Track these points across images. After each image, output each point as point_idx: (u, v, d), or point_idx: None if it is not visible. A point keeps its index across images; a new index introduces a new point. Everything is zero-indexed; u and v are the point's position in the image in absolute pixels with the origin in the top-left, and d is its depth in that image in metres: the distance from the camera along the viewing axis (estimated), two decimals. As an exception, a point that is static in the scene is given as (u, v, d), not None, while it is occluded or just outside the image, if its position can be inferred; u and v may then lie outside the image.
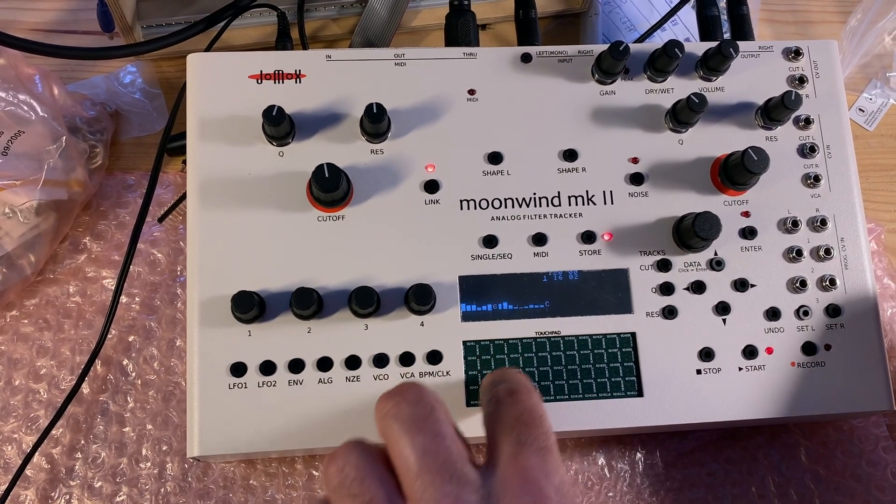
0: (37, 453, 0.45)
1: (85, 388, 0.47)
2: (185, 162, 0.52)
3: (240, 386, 0.42)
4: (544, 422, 0.34)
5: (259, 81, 0.45)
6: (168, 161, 0.52)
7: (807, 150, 0.47)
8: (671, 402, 0.43)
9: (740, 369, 0.44)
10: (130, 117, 0.53)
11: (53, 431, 0.45)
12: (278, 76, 0.46)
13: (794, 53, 0.48)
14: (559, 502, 0.30)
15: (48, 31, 0.56)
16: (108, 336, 0.47)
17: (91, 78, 0.54)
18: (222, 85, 0.45)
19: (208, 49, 0.51)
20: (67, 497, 0.45)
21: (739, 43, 0.47)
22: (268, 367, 0.42)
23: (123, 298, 0.48)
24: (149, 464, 0.46)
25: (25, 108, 0.44)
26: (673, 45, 0.45)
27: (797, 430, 0.49)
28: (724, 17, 0.53)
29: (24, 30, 0.55)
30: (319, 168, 0.42)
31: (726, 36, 0.53)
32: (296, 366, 0.42)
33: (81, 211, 0.50)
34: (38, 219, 0.47)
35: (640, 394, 0.43)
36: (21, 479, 0.44)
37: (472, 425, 0.42)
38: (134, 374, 0.47)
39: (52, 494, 0.45)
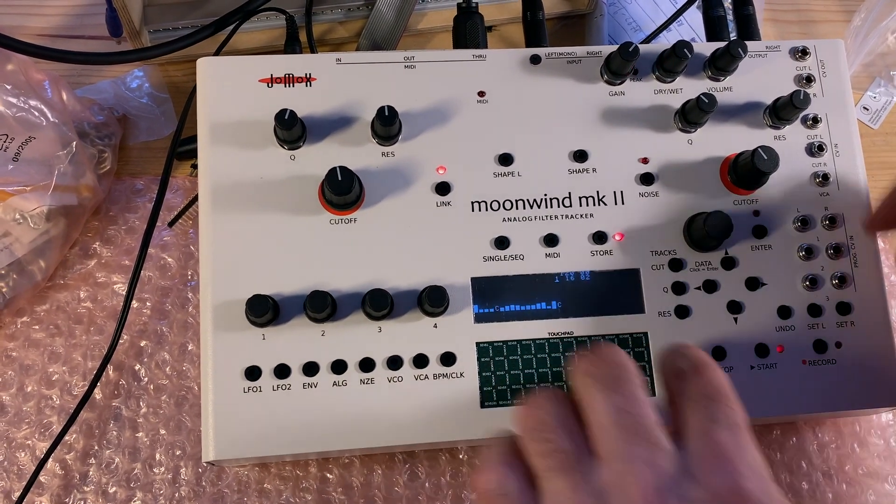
0: (50, 459, 0.45)
1: (97, 394, 0.47)
2: (193, 166, 0.52)
3: (254, 390, 0.42)
4: (733, 398, 0.33)
5: (269, 85, 0.45)
6: (177, 165, 0.52)
7: (815, 149, 0.47)
8: (684, 401, 0.43)
9: (752, 368, 0.44)
10: (138, 122, 0.53)
11: (66, 437, 0.45)
12: (289, 80, 0.46)
13: (801, 53, 0.48)
14: (752, 479, 0.29)
15: (54, 36, 0.56)
16: (120, 341, 0.47)
17: (98, 83, 0.54)
18: (233, 89, 0.45)
19: (217, 53, 0.51)
20: (82, 503, 0.45)
21: (747, 43, 0.47)
22: (282, 371, 0.42)
23: (135, 303, 0.48)
24: (163, 468, 0.46)
25: (36, 113, 0.44)
26: (682, 46, 0.45)
27: (808, 426, 0.49)
28: (729, 17, 0.53)
29: (30, 35, 0.54)
30: (332, 171, 0.42)
31: (732, 36, 0.53)
32: (310, 369, 0.42)
33: (91, 216, 0.50)
34: (49, 224, 0.47)
35: (653, 394, 0.43)
36: (35, 486, 0.44)
37: (488, 427, 0.42)
38: (146, 378, 0.47)
39: (66, 500, 0.45)
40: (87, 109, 0.50)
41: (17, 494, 0.44)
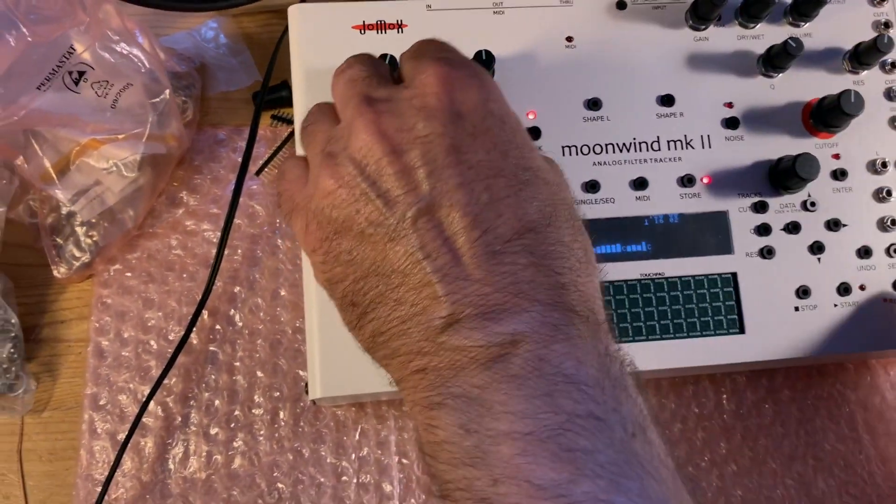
0: (151, 402, 0.46)
1: (194, 339, 0.48)
2: (273, 116, 0.53)
3: (359, 330, 0.43)
4: (438, 41, 0.35)
5: (362, 32, 0.46)
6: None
7: (893, 94, 0.48)
8: (772, 338, 0.45)
9: (835, 306, 0.46)
10: (216, 72, 0.53)
11: (166, 381, 0.46)
12: (381, 26, 0.46)
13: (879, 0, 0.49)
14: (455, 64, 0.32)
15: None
16: (213, 287, 0.47)
17: (174, 34, 0.54)
18: (326, 36, 0.46)
19: (305, 0, 0.51)
20: (185, 444, 0.46)
21: (828, -11, 0.47)
22: (385, 312, 0.43)
23: (226, 250, 0.48)
24: (261, 410, 0.47)
25: (136, 60, 0.44)
26: (769, -9, 0.46)
27: (879, 365, 0.51)
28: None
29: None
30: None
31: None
32: (412, 310, 0.43)
33: (176, 166, 0.51)
34: (139, 173, 0.48)
35: (742, 331, 0.45)
36: (139, 428, 0.45)
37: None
38: (241, 323, 0.48)
39: (170, 441, 0.46)
40: (171, 59, 0.50)
41: (122, 436, 0.45)
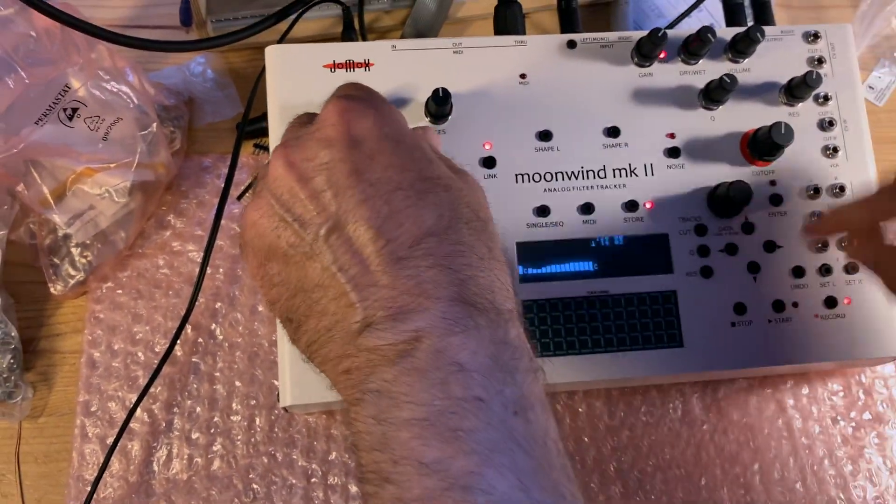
0: (138, 409, 0.50)
1: (178, 351, 0.52)
2: (255, 145, 0.57)
3: (326, 343, 0.47)
4: (352, 83, 0.38)
5: (333, 70, 0.50)
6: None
7: (826, 125, 0.52)
8: (709, 352, 0.48)
9: (770, 321, 0.49)
10: (203, 105, 0.58)
11: (152, 389, 0.50)
12: (350, 65, 0.50)
13: (813, 37, 0.53)
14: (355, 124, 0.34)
15: (123, 27, 0.60)
16: (197, 303, 0.51)
17: (164, 69, 0.59)
18: (299, 74, 0.50)
19: (281, 42, 0.55)
20: (169, 447, 0.50)
21: (764, 28, 0.51)
22: (350, 326, 0.47)
23: (208, 269, 0.52)
24: (239, 417, 0.51)
25: (124, 97, 0.49)
26: (706, 31, 0.50)
27: (818, 377, 0.54)
28: (746, 1, 0.58)
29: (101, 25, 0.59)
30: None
31: (749, 21, 0.57)
32: (375, 324, 0.47)
33: (164, 191, 0.55)
34: (129, 198, 0.52)
35: (681, 345, 0.48)
36: (126, 432, 0.49)
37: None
38: (221, 337, 0.52)
39: (155, 445, 0.50)
40: (160, 94, 0.55)
41: (111, 440, 0.49)
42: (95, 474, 0.48)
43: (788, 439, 0.52)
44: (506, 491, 0.28)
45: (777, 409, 0.53)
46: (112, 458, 0.49)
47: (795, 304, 0.50)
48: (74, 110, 0.48)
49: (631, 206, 0.50)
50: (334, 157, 0.33)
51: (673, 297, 0.49)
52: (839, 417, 0.53)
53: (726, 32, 0.52)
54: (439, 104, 0.48)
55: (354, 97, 0.36)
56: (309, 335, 0.33)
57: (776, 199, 0.51)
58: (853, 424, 0.53)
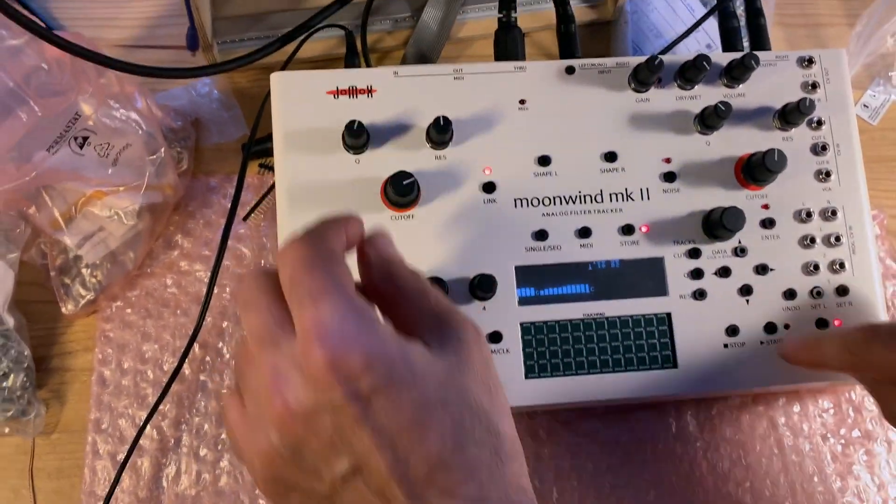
0: (148, 426, 0.51)
1: (186, 369, 0.53)
2: (261, 165, 0.58)
3: (330, 365, 0.48)
4: (314, 270, 0.31)
5: (336, 97, 0.51)
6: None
7: (819, 149, 0.53)
8: (703, 372, 0.50)
9: (762, 343, 0.51)
10: (209, 125, 0.59)
11: (161, 407, 0.52)
12: (353, 91, 0.51)
13: (808, 62, 0.54)
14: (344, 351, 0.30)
15: (129, 47, 0.61)
16: (204, 323, 0.53)
17: (171, 90, 0.60)
18: (303, 100, 0.51)
19: (285, 66, 0.56)
20: (177, 464, 0.52)
21: (759, 53, 0.52)
22: (353, 348, 0.48)
23: (216, 289, 0.54)
24: (245, 433, 0.52)
25: (133, 124, 0.50)
26: (702, 59, 0.51)
27: (810, 395, 0.55)
28: (741, 22, 0.59)
29: (107, 45, 0.60)
30: (397, 175, 0.48)
31: (745, 43, 0.58)
32: (377, 347, 0.48)
33: (172, 211, 0.56)
34: (138, 220, 0.54)
35: (675, 366, 0.50)
36: (136, 449, 0.51)
37: (531, 395, 0.48)
38: (229, 355, 0.54)
39: (164, 461, 0.52)
40: (167, 116, 0.56)
41: (121, 456, 0.51)
42: (107, 490, 0.50)
43: (779, 456, 0.54)
44: None
45: (769, 426, 0.54)
46: (123, 474, 0.50)
47: (787, 326, 0.51)
48: (85, 139, 0.49)
49: (627, 230, 0.51)
50: (335, 405, 0.30)
51: (667, 319, 0.50)
52: (829, 435, 0.54)
53: (722, 58, 0.53)
54: (440, 132, 0.49)
55: (333, 331, 0.30)
56: None
57: (769, 223, 0.52)
58: (842, 442, 0.54)
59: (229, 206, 0.55)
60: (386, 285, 0.36)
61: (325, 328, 0.30)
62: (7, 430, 0.51)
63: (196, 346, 0.54)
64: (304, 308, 0.31)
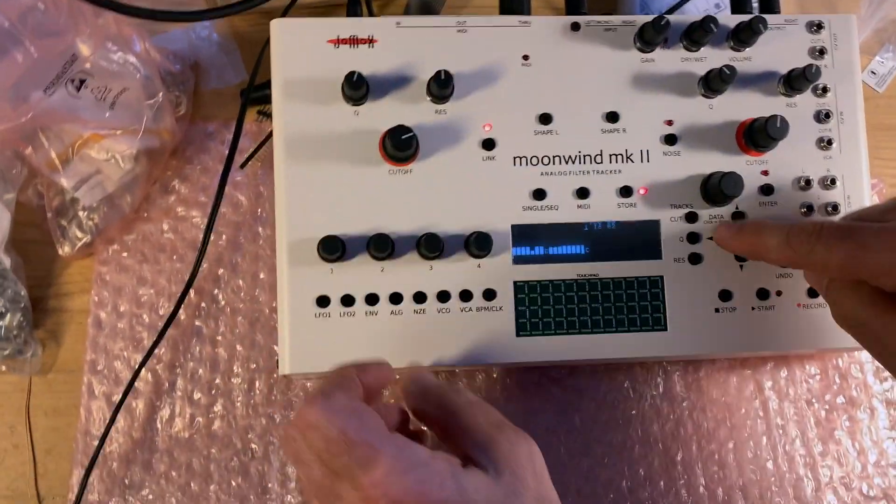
0: (143, 369, 0.52)
1: (181, 314, 0.54)
2: (259, 112, 0.58)
3: (324, 315, 0.48)
4: (349, 438, 0.34)
5: (336, 46, 0.51)
6: (243, 110, 0.57)
7: (822, 116, 0.52)
8: (692, 336, 0.50)
9: (753, 309, 0.51)
10: (209, 70, 0.58)
11: (156, 351, 0.52)
12: (353, 41, 0.51)
13: (817, 27, 0.53)
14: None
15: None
16: (200, 269, 0.53)
17: (171, 32, 0.59)
18: (303, 49, 0.50)
19: (286, 13, 0.55)
20: (171, 407, 0.53)
21: (767, 17, 0.51)
22: (348, 300, 0.49)
23: (212, 236, 0.54)
24: (239, 379, 0.53)
25: (131, 67, 0.50)
26: (709, 21, 0.50)
27: (797, 360, 0.56)
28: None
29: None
30: (396, 129, 0.47)
31: (754, 5, 0.57)
32: (371, 299, 0.49)
33: (170, 156, 0.56)
34: (135, 164, 0.53)
35: (664, 328, 0.50)
36: (131, 391, 0.52)
37: (522, 353, 0.49)
38: (223, 302, 0.54)
39: (158, 404, 0.53)
40: (165, 59, 0.55)
41: (117, 397, 0.52)
42: (101, 429, 0.51)
43: (764, 419, 0.55)
44: None
45: (755, 389, 0.55)
46: (118, 415, 0.51)
47: (779, 293, 0.51)
48: (82, 81, 0.49)
49: (625, 191, 0.51)
50: None
51: (660, 282, 0.51)
52: (814, 400, 0.55)
53: (730, 20, 0.52)
54: (441, 86, 0.49)
55: (398, 488, 0.33)
56: None
57: (767, 189, 0.52)
58: (826, 407, 0.55)
59: (227, 152, 0.55)
60: (437, 412, 0.37)
61: (383, 486, 0.32)
62: (3, 368, 0.52)
63: (192, 292, 0.54)
64: (354, 474, 0.33)
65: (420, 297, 0.49)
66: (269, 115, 0.58)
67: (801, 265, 0.46)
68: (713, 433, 0.54)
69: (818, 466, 0.54)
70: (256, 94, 0.56)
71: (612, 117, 0.51)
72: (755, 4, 0.57)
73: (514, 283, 0.50)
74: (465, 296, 0.49)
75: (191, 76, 0.57)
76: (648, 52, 0.52)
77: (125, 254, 0.55)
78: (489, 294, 0.49)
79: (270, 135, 0.56)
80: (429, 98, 0.50)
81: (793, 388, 0.55)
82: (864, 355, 0.56)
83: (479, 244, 0.48)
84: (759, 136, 0.50)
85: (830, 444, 0.54)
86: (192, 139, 0.57)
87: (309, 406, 0.35)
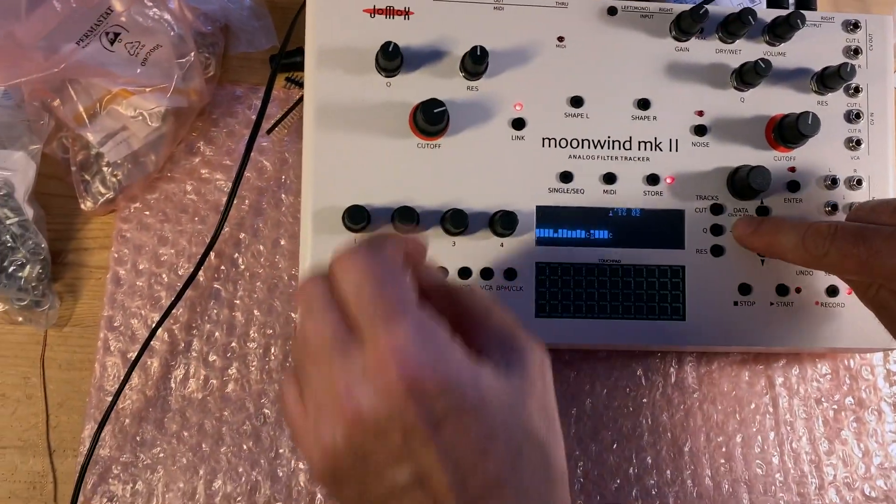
0: (160, 328, 0.52)
1: (200, 276, 0.54)
2: (287, 79, 0.58)
3: (345, 285, 0.48)
4: (384, 288, 0.32)
5: (372, 16, 0.50)
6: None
7: (853, 116, 0.52)
8: (709, 328, 0.50)
9: (772, 304, 0.51)
10: (239, 34, 0.58)
11: (173, 311, 0.52)
12: (390, 12, 0.50)
13: (853, 26, 0.53)
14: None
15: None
16: (221, 232, 0.53)
17: (203, -8, 0.58)
18: (339, 17, 0.50)
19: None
20: (186, 367, 0.53)
21: (805, 13, 0.51)
22: (369, 272, 0.49)
23: (234, 200, 0.54)
24: (255, 344, 0.53)
25: (165, 24, 0.49)
26: (748, 13, 0.50)
27: (810, 358, 0.56)
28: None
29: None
30: (430, 102, 0.47)
31: (790, 1, 0.57)
32: (393, 272, 0.49)
33: (196, 117, 0.56)
34: (162, 123, 0.53)
35: (683, 318, 0.50)
36: (147, 350, 0.52)
37: (539, 334, 0.49)
38: (243, 266, 0.54)
39: (173, 363, 0.53)
40: (196, 20, 0.55)
41: (132, 354, 0.52)
42: (115, 386, 0.51)
43: (773, 415, 0.55)
44: None
45: (766, 384, 0.55)
46: (132, 372, 0.51)
47: (798, 290, 0.51)
48: (116, 34, 0.48)
49: (652, 179, 0.51)
50: (406, 415, 0.31)
51: (681, 272, 0.51)
52: (823, 399, 0.56)
53: (767, 14, 0.52)
54: (476, 62, 0.48)
55: (409, 344, 0.31)
56: None
57: (794, 186, 0.52)
58: (835, 407, 0.55)
59: (253, 117, 0.55)
60: (452, 307, 0.36)
61: (401, 352, 0.30)
62: (20, 318, 0.52)
63: (212, 255, 0.54)
64: (376, 328, 0.31)
65: (442, 272, 0.49)
66: (296, 83, 0.58)
67: (816, 266, 0.47)
68: (722, 426, 0.54)
69: (823, 465, 0.54)
70: (286, 60, 0.56)
71: (644, 104, 0.51)
72: (791, 1, 0.57)
73: (537, 263, 0.50)
74: (486, 273, 0.49)
75: (221, 38, 0.57)
76: (684, 41, 0.52)
77: (147, 212, 0.55)
78: (510, 273, 0.50)
79: (298, 102, 0.56)
80: (461, 74, 0.50)
81: (803, 386, 0.56)
82: (876, 358, 0.57)
83: (504, 223, 0.48)
84: (789, 131, 0.50)
85: (836, 443, 0.55)
86: (219, 102, 0.57)
87: (353, 251, 0.33)
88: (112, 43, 0.48)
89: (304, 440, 0.34)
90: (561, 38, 0.51)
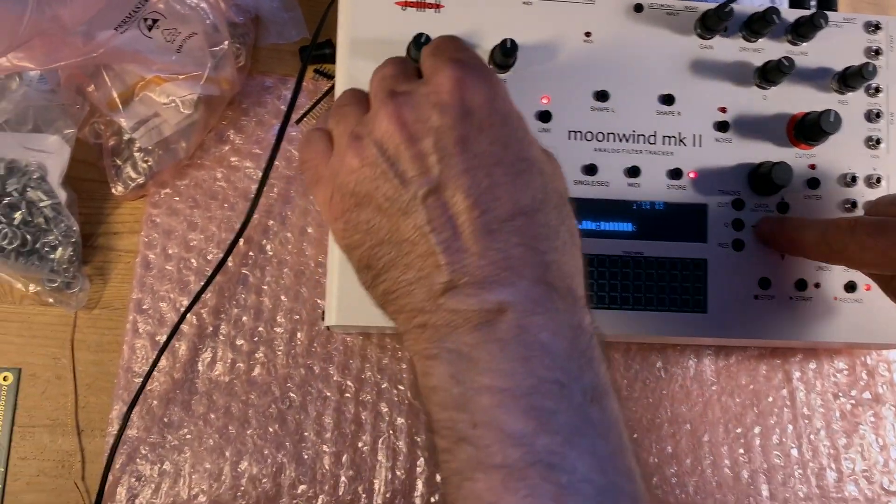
0: (189, 312, 0.53)
1: (229, 262, 0.54)
2: (316, 71, 0.59)
3: (373, 272, 0.49)
4: (456, 40, 0.38)
5: (404, 9, 0.51)
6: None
7: (873, 116, 0.53)
8: (730, 320, 0.51)
9: (791, 298, 0.52)
10: (269, 25, 0.59)
11: (202, 295, 0.53)
12: (420, 5, 0.51)
13: (874, 27, 0.54)
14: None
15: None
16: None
17: (235, -16, 0.59)
18: (371, 9, 0.51)
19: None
20: (213, 351, 0.53)
21: (827, 13, 0.52)
22: (397, 258, 0.49)
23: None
24: (282, 329, 0.54)
25: (201, 13, 0.50)
26: (772, 12, 0.51)
27: (827, 354, 0.57)
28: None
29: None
30: None
31: (812, 2, 0.58)
32: (421, 259, 0.50)
33: (227, 106, 0.57)
34: (193, 110, 0.54)
35: (704, 311, 0.51)
36: (176, 334, 0.52)
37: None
38: (271, 253, 0.55)
39: (201, 347, 0.54)
40: (229, 10, 0.56)
41: (160, 337, 0.53)
42: (143, 367, 0.52)
43: (791, 408, 0.56)
44: (585, 472, 0.30)
45: (784, 378, 0.56)
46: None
47: (818, 285, 0.52)
48: (155, 21, 0.49)
49: (675, 174, 0.52)
50: (445, 123, 0.34)
51: (703, 265, 0.51)
52: (840, 394, 0.56)
53: (790, 14, 0.53)
54: (506, 55, 0.49)
55: (469, 65, 0.36)
56: (387, 284, 0.35)
57: (813, 183, 0.53)
58: (853, 402, 0.56)
59: (282, 107, 0.56)
60: None
61: (462, 63, 0.35)
62: (51, 300, 0.53)
63: (241, 241, 0.55)
64: (441, 56, 0.36)
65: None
66: (325, 75, 0.59)
67: (838, 261, 0.47)
68: (740, 418, 0.55)
69: (841, 458, 0.55)
70: (316, 52, 0.57)
71: (668, 100, 0.52)
72: (813, 2, 0.58)
73: (561, 254, 0.51)
74: (512, 263, 0.50)
75: (252, 29, 0.58)
76: (708, 38, 0.53)
77: (177, 198, 0.56)
78: (535, 263, 0.50)
79: (328, 92, 0.57)
80: (491, 66, 0.51)
81: (820, 380, 0.57)
82: (893, 354, 0.58)
83: (530, 213, 0.49)
84: (811, 129, 0.51)
85: (854, 437, 0.55)
86: (249, 92, 0.58)
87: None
88: (150, 29, 0.49)
89: (327, 169, 0.37)
90: (588, 34, 0.52)
